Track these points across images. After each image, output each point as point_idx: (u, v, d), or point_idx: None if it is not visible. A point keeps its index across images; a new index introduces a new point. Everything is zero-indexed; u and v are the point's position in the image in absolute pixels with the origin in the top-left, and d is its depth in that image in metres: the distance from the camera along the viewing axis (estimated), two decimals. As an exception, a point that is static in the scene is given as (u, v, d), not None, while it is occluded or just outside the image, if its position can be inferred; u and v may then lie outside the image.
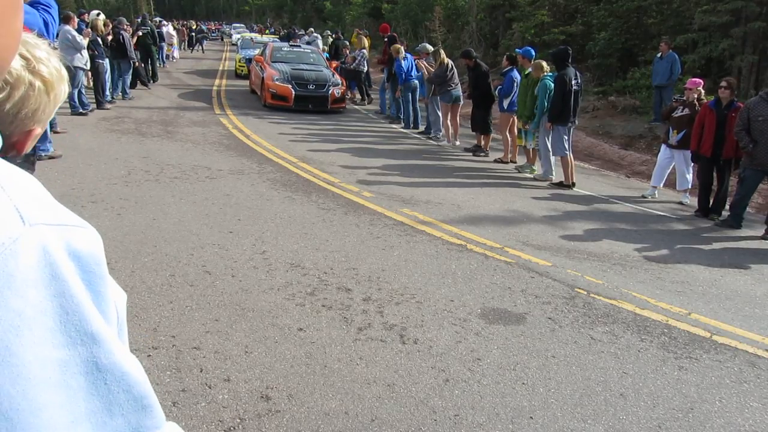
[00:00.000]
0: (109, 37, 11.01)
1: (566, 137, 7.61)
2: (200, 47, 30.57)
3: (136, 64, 12.38)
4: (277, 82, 12.08)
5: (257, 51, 17.24)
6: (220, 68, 21.44)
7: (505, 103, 8.74)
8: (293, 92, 11.92)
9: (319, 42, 20.18)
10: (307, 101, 12.11)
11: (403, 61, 11.02)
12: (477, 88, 9.29)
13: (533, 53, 8.47)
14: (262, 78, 12.53)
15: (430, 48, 10.51)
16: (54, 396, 0.49)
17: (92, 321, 0.52)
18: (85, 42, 9.41)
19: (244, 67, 17.68)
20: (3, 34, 0.51)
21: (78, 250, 0.54)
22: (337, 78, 12.93)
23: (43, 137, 6.70)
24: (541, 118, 7.84)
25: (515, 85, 8.58)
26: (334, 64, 14.09)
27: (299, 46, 15.55)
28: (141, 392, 0.56)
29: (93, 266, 0.55)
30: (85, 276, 0.54)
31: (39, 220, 0.52)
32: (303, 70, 12.61)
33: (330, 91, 12.23)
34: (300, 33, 25.53)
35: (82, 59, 9.31)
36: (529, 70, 8.16)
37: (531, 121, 8.00)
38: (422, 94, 11.06)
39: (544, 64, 7.86)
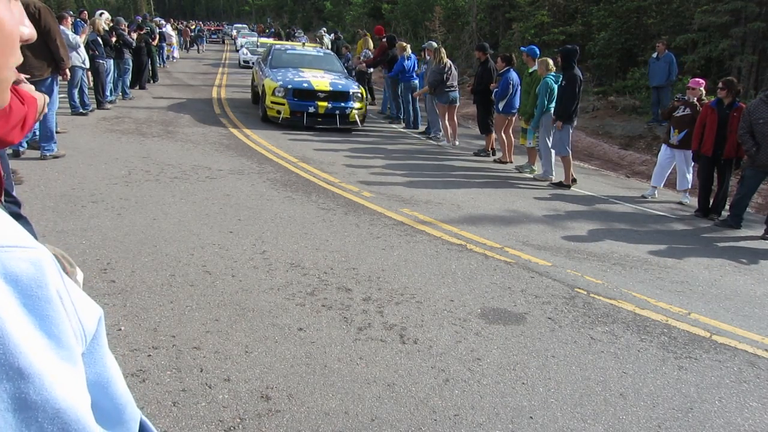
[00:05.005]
0: (113, 39, 11.01)
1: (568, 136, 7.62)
2: (197, 47, 30.77)
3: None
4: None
5: (316, 75, 10.73)
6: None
7: (501, 105, 8.73)
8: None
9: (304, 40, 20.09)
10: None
11: (406, 60, 11.03)
12: (480, 84, 9.31)
13: (538, 52, 8.46)
14: None
15: (435, 45, 10.51)
16: None
17: (21, 354, 0.48)
18: (80, 39, 9.38)
19: (283, 105, 10.04)
20: None
21: (16, 274, 0.50)
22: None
23: (49, 137, 6.72)
24: (541, 117, 7.84)
25: (510, 86, 8.58)
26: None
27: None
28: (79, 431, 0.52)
29: (35, 289, 0.51)
30: (25, 301, 0.50)
31: None
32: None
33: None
34: (299, 33, 25.59)
35: (79, 58, 9.28)
36: (533, 68, 8.15)
37: (532, 119, 8.01)
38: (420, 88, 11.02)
39: (550, 62, 7.84)
